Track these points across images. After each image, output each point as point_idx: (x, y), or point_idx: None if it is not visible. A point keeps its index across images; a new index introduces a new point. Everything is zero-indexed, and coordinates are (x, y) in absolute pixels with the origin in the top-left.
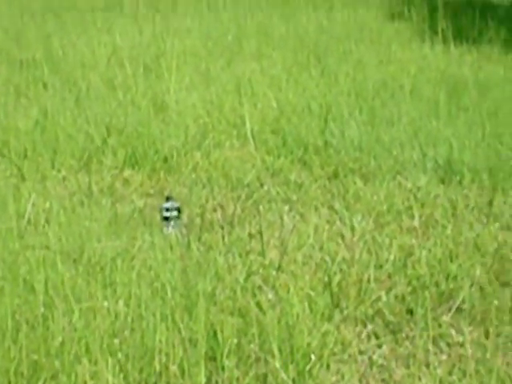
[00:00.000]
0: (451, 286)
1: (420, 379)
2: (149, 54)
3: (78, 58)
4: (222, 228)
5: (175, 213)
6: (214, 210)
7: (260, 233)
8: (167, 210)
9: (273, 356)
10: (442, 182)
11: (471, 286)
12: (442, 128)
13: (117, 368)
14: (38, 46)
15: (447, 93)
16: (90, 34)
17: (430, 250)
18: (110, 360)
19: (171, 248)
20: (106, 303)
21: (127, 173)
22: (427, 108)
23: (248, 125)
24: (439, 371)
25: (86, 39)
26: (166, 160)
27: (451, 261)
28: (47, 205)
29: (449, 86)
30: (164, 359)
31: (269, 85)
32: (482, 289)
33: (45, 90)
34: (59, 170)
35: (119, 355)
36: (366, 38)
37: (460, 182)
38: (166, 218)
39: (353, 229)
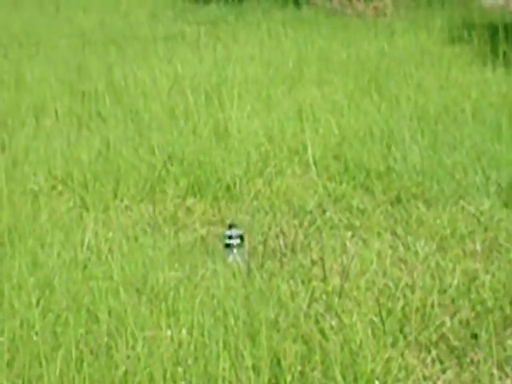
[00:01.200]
0: None
1: None
2: (210, 82)
3: (139, 88)
4: (285, 255)
5: (238, 240)
6: (277, 237)
7: (322, 259)
8: (230, 237)
9: (336, 382)
10: (506, 205)
11: None
12: (504, 151)
13: None
14: (99, 77)
15: (509, 116)
16: (151, 63)
17: (493, 274)
18: None
19: (234, 276)
20: (169, 332)
21: (190, 201)
22: (489, 132)
23: (310, 151)
24: None
25: (147, 69)
26: (228, 188)
27: None
28: (110, 234)
29: (511, 110)
30: None
31: (330, 110)
32: None
33: (106, 121)
34: (122, 200)
35: None
36: (426, 61)
37: None
38: (229, 246)
39: (416, 254)
